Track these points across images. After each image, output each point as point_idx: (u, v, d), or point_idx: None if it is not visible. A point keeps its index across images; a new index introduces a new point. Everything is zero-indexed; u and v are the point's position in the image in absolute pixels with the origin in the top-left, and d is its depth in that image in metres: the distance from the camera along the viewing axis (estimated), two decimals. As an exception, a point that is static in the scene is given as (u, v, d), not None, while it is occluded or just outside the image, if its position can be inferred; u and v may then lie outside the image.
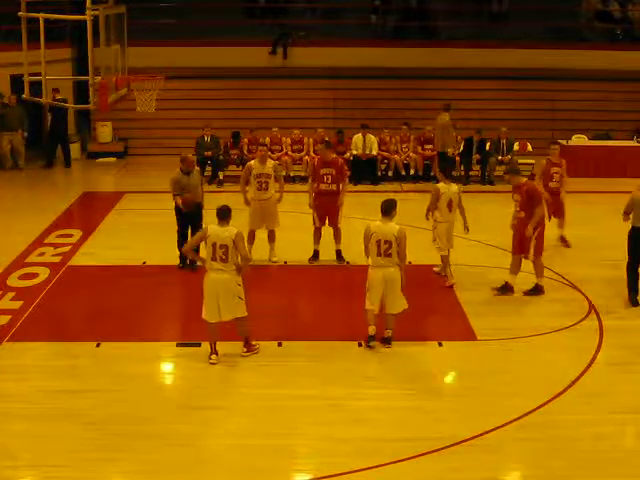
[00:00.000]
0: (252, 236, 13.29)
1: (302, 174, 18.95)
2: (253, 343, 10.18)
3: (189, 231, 12.80)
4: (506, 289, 12.04)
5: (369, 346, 10.29)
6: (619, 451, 8.24)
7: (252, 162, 13.47)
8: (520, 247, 11.96)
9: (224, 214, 9.95)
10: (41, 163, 20.92)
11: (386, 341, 10.31)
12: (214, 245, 9.78)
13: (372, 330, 10.25)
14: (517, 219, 11.93)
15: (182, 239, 12.88)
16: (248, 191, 13.32)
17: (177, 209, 13.01)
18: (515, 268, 12.05)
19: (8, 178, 19.85)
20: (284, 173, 19.13)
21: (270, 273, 13.18)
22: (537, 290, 12.06)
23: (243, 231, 10.32)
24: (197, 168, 13.51)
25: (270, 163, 13.36)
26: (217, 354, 10.02)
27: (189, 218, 12.89)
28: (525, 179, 12.17)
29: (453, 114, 18.78)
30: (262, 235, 13.46)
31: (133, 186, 18.89)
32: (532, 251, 11.85)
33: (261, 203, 13.24)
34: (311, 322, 11.60)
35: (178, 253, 12.90)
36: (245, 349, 10.13)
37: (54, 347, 10.49)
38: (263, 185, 13.18)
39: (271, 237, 13.48)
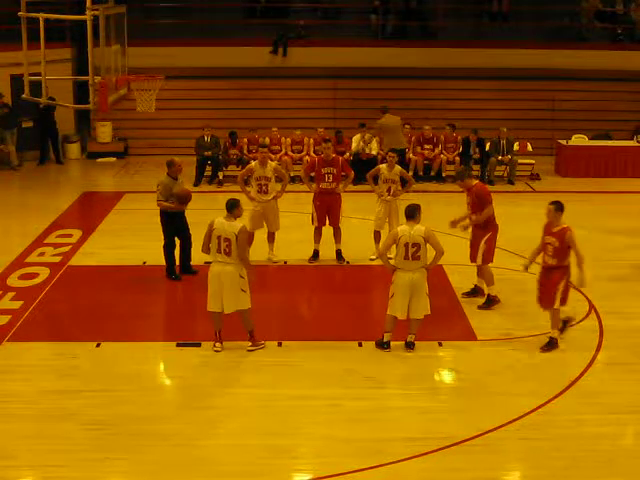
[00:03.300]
0: (251, 238, 13.24)
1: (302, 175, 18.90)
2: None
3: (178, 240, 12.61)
4: (476, 292, 11.89)
5: (380, 347, 10.24)
6: (619, 451, 8.24)
7: (253, 164, 13.38)
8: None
9: (231, 206, 10.05)
10: (35, 161, 21.04)
11: (410, 345, 10.25)
12: (219, 238, 9.93)
13: (388, 337, 10.22)
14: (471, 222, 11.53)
15: (171, 249, 12.58)
16: (250, 191, 13.28)
17: (165, 218, 12.52)
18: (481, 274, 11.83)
19: (7, 178, 19.85)
20: (292, 174, 19.19)
21: (270, 273, 13.18)
22: (490, 302, 11.57)
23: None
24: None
25: (271, 165, 13.26)
26: (222, 342, 10.15)
27: (176, 228, 12.50)
28: (476, 181, 11.69)
29: (453, 114, 18.72)
30: (262, 236, 13.44)
31: (133, 186, 18.88)
32: (480, 256, 11.42)
33: (262, 205, 13.21)
34: (311, 322, 11.60)
35: (166, 265, 12.62)
36: (250, 343, 10.18)
37: (54, 347, 10.48)
38: (263, 187, 13.12)
39: (271, 238, 13.47)
